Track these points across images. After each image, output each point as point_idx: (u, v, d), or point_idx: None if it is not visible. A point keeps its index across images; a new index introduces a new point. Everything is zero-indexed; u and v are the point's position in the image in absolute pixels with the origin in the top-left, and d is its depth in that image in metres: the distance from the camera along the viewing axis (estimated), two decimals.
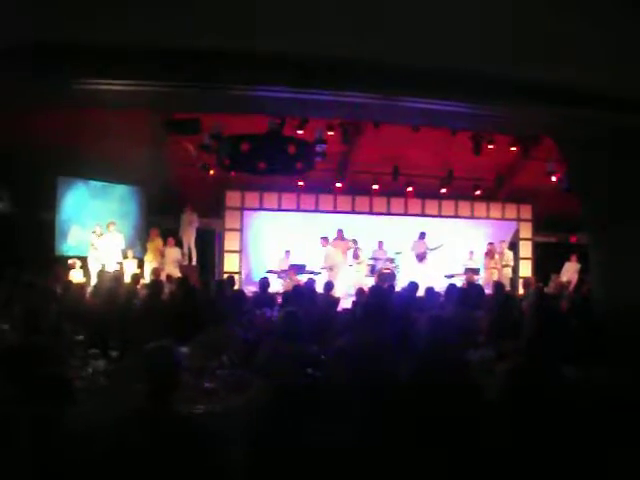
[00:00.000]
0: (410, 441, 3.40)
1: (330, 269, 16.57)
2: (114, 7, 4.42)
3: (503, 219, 20.32)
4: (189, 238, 17.54)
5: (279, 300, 10.09)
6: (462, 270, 17.37)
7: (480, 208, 20.21)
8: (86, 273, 14.75)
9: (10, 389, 3.62)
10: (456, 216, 20.07)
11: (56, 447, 3.21)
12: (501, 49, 5.19)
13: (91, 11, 4.40)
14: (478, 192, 19.41)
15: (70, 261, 14.72)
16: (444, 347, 4.63)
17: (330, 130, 15.90)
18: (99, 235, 15.67)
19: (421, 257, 17.80)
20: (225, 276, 14.96)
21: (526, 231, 20.41)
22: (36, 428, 3.27)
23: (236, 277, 17.25)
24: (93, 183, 17.12)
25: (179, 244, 17.08)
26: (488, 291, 11.32)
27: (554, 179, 16.99)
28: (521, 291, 14.49)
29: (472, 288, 11.15)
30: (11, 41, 4.43)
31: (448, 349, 4.64)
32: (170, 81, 5.23)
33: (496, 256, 18.03)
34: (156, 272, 14.73)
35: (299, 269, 16.34)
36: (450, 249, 18.15)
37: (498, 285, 10.60)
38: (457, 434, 3.52)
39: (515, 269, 19.31)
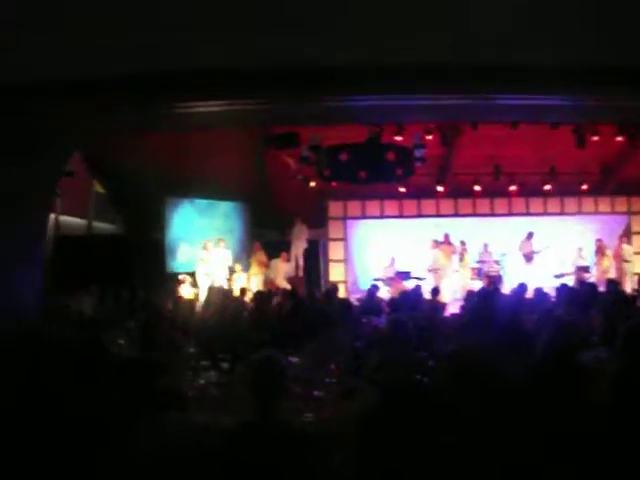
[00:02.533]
0: (524, 448, 3.32)
1: (435, 272, 16.45)
2: (206, 32, 4.55)
3: (613, 213, 19.48)
4: (298, 250, 17.79)
5: (385, 307, 10.09)
6: (572, 269, 16.87)
7: (588, 203, 19.47)
8: (196, 288, 15.14)
9: (127, 401, 3.76)
10: (562, 213, 19.43)
11: (170, 456, 3.31)
12: (599, 37, 5.03)
13: (185, 38, 4.54)
14: (584, 187, 18.70)
15: (180, 277, 15.16)
16: (566, 352, 4.49)
17: (428, 134, 15.76)
18: (208, 250, 16.07)
19: (528, 257, 17.37)
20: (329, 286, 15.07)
21: (639, 224, 19.55)
22: (152, 438, 3.38)
23: (342, 286, 17.36)
24: (198, 201, 17.62)
25: (289, 257, 17.35)
26: (601, 289, 10.93)
27: None
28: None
29: (583, 287, 10.79)
30: (114, 72, 4.62)
31: (569, 354, 4.50)
32: (268, 98, 5.33)
33: (608, 252, 17.33)
34: (266, 284, 15.07)
35: (405, 276, 16.28)
36: (558, 247, 17.61)
37: (611, 283, 10.25)
38: (575, 442, 3.41)
39: None
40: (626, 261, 17.36)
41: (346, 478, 3.39)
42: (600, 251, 17.31)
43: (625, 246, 17.70)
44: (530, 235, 17.68)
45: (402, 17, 4.71)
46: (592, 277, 16.33)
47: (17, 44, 4.63)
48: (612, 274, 16.41)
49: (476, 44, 4.87)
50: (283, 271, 16.76)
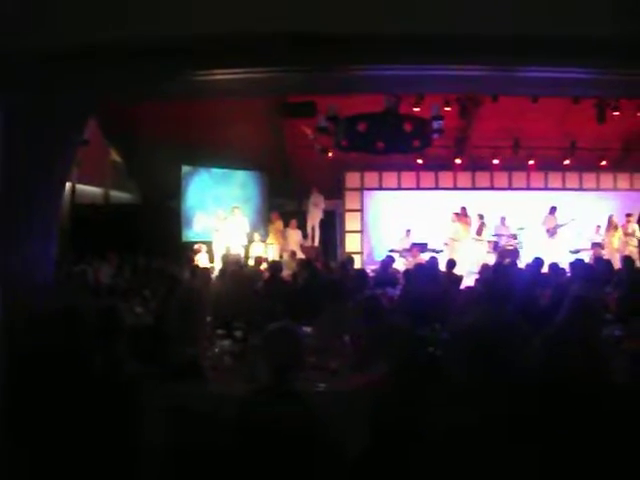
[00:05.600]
0: (536, 425, 3.31)
1: (451, 244, 16.43)
2: None
3: (632, 190, 19.28)
4: (314, 220, 17.77)
5: (401, 279, 10.09)
6: (588, 244, 16.75)
7: (606, 179, 19.26)
8: (212, 257, 15.20)
9: (143, 369, 3.80)
10: (581, 189, 19.25)
11: (184, 423, 3.35)
12: (621, 9, 4.94)
13: (200, 5, 4.52)
14: (604, 162, 18.51)
15: (196, 246, 15.21)
16: (583, 329, 4.47)
17: (447, 105, 15.66)
18: (223, 219, 16.09)
19: (552, 232, 17.23)
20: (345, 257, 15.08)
21: None
22: (167, 405, 3.42)
23: (358, 257, 17.36)
24: (215, 170, 17.63)
25: (301, 226, 17.32)
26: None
27: None
28: None
29: (599, 263, 10.73)
30: (130, 38, 4.60)
31: (586, 331, 4.48)
32: (287, 66, 5.29)
33: (619, 229, 17.11)
34: (285, 254, 15.17)
35: (421, 248, 16.25)
36: (576, 223, 17.46)
37: (627, 260, 10.16)
38: (585, 419, 3.41)
39: None
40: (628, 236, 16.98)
41: (355, 448, 3.41)
42: (611, 227, 17.12)
43: (631, 225, 17.29)
44: (553, 209, 17.51)
45: None
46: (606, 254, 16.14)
47: (37, 10, 4.63)
48: (622, 251, 16.25)
49: (497, 16, 4.80)
50: (294, 239, 16.76)
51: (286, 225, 17.08)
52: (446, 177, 19.26)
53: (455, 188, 19.21)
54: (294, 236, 16.85)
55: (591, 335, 4.47)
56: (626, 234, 16.92)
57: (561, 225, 17.21)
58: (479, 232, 17.08)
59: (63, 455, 3.43)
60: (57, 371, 3.73)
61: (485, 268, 10.04)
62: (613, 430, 3.35)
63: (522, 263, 13.54)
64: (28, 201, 5.31)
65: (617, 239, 16.92)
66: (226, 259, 11.51)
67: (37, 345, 4.07)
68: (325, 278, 9.27)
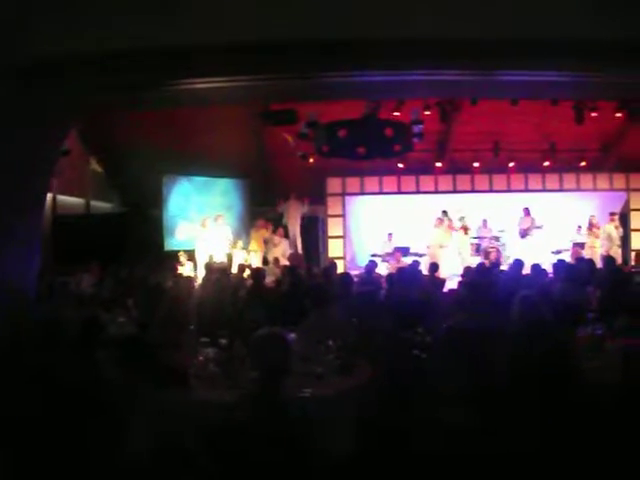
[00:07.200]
0: (507, 425, 3.34)
1: (434, 248, 16.47)
2: (205, 7, 4.53)
3: (611, 190, 19.41)
4: (294, 226, 17.72)
5: (384, 283, 10.09)
6: (569, 245, 16.85)
7: (586, 180, 19.36)
8: (195, 266, 15.14)
9: (127, 378, 3.79)
10: (561, 190, 19.33)
11: (169, 431, 3.34)
12: (599, 12, 5.00)
13: (181, 14, 4.52)
14: (583, 163, 18.66)
15: (179, 255, 15.16)
16: (537, 327, 4.53)
17: (427, 110, 15.74)
18: (206, 227, 16.04)
19: (523, 233, 17.32)
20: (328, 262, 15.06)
21: (637, 201, 19.42)
22: (151, 414, 3.41)
23: (340, 262, 17.36)
24: (196, 179, 17.58)
25: (286, 234, 17.30)
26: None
27: None
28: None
29: (581, 263, 10.81)
30: (113, 48, 4.60)
31: (542, 329, 4.53)
32: (268, 73, 5.31)
33: (601, 228, 17.22)
34: (265, 261, 15.13)
35: (404, 251, 16.30)
36: (557, 224, 17.58)
37: (608, 259, 10.25)
38: (559, 416, 3.44)
39: (625, 242, 18.32)
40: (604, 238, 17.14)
41: (341, 452, 3.42)
42: (592, 227, 17.25)
43: (606, 226, 17.49)
44: (527, 210, 17.60)
45: None
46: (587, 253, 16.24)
47: (18, 22, 4.62)
48: (601, 250, 16.41)
49: (476, 19, 4.84)
50: (280, 247, 16.74)
51: (274, 232, 17.05)
52: (427, 181, 19.32)
53: (436, 191, 19.26)
54: (283, 243, 16.82)
55: (541, 332, 4.53)
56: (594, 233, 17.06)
57: (538, 227, 17.29)
58: (465, 231, 17.12)
59: (46, 465, 3.41)
60: (40, 381, 3.71)
61: (468, 271, 10.07)
62: (596, 429, 3.38)
63: (504, 265, 13.60)
64: (9, 211, 5.28)
65: (595, 239, 17.03)
66: (209, 267, 11.47)
67: (19, 355, 4.05)
68: (308, 284, 9.26)
